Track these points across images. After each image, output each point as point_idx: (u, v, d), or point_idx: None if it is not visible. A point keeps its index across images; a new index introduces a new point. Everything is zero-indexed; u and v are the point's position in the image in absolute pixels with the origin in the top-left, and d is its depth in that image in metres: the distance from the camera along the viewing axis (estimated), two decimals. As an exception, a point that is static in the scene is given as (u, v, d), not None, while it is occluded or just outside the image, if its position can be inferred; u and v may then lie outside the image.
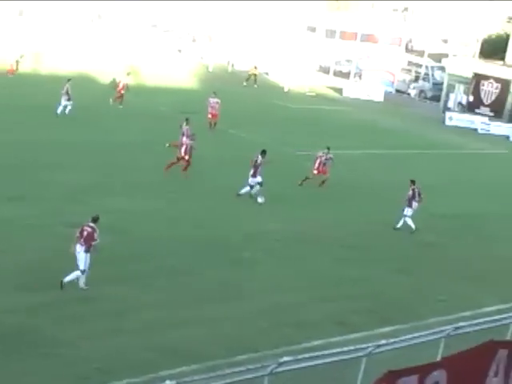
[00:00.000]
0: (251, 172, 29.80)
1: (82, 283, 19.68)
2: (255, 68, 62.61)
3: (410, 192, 28.67)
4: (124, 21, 70.43)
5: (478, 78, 65.02)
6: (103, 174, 30.69)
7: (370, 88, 68.34)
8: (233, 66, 68.82)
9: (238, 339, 18.03)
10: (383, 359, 13.82)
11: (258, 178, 29.81)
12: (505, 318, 16.36)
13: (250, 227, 26.67)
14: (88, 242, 19.57)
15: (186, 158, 31.60)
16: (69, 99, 40.14)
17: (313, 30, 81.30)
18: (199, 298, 20.27)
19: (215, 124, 43.00)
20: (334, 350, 13.60)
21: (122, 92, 45.02)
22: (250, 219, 27.74)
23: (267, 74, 67.95)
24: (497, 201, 36.32)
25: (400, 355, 14.39)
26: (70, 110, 39.99)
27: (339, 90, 67.26)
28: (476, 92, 65.21)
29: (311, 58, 73.99)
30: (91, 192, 27.75)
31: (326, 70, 74.64)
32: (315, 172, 32.93)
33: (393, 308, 21.50)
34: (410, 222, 28.74)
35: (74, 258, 19.59)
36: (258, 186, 29.92)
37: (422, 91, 71.52)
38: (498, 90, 64.08)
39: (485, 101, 64.74)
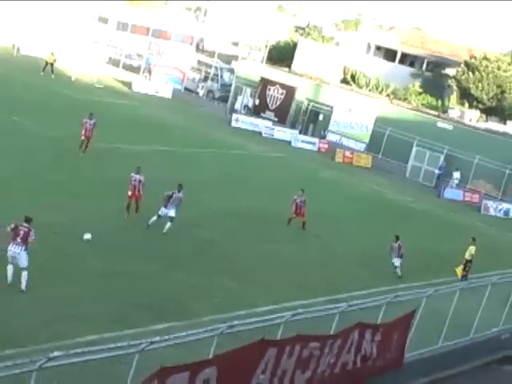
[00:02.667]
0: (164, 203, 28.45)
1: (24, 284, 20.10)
2: (52, 55, 60.66)
3: (396, 245, 30.15)
4: None
5: (265, 83, 66.67)
6: None
7: (159, 84, 68.34)
8: (18, 49, 66.54)
9: (7, 333, 17.38)
10: (157, 356, 13.80)
11: (165, 211, 28.36)
12: (276, 318, 16.80)
13: (38, 218, 25.55)
14: (26, 241, 20.23)
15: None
16: None
17: (104, 20, 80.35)
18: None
19: None
20: (107, 346, 13.41)
21: None
22: (28, 210, 26.58)
23: (55, 61, 66.22)
24: (273, 201, 37.37)
25: (174, 352, 14.43)
26: None
27: (128, 84, 66.76)
28: (262, 96, 66.80)
29: (101, 49, 72.95)
30: None
31: (115, 63, 73.84)
32: (294, 215, 33.62)
33: (168, 305, 21.57)
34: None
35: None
36: (155, 217, 28.25)
37: (210, 91, 72.37)
38: (283, 96, 65.97)
39: (270, 105, 66.47)
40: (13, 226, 20.46)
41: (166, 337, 14.13)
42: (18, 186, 29.41)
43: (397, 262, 30.14)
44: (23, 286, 20.17)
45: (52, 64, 60.37)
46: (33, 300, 19.75)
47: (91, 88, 60.54)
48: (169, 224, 28.06)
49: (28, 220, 20.66)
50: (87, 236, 24.77)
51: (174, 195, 28.37)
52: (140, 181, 29.06)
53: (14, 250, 20.29)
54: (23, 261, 20.29)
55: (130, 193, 28.99)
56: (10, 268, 20.30)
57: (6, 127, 38.69)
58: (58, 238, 24.69)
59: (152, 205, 29.85)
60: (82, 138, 37.12)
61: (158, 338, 13.75)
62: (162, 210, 28.28)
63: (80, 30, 72.51)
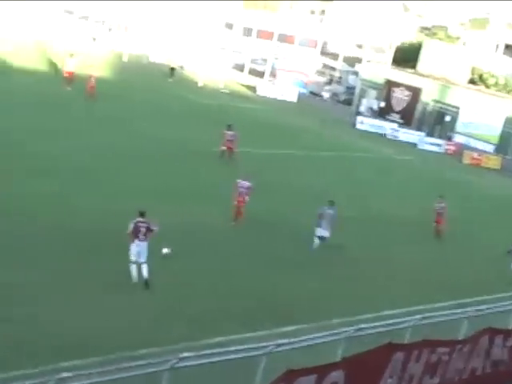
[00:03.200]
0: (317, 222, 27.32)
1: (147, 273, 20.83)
2: (175, 60, 62.16)
3: None
4: (37, 5, 68.88)
5: (390, 85, 66.13)
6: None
7: (284, 88, 68.71)
8: (147, 57, 68.24)
9: (138, 333, 17.82)
10: (284, 358, 13.88)
11: (321, 231, 27.21)
12: (403, 322, 16.65)
13: (161, 221, 25.78)
14: (148, 236, 20.89)
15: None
16: None
17: (230, 26, 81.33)
18: (95, 289, 19.91)
19: (93, 96, 45.20)
20: (235, 348, 13.59)
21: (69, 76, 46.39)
22: (160, 212, 26.57)
23: (182, 67, 67.63)
24: (399, 203, 36.99)
25: (300, 355, 14.48)
26: None
27: (253, 89, 67.42)
28: (387, 98, 66.29)
29: (227, 54, 73.95)
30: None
31: (241, 68, 74.72)
32: (435, 223, 33.02)
33: (294, 308, 21.60)
34: None
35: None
36: (317, 240, 27.28)
37: (334, 94, 72.29)
38: (408, 98, 65.29)
39: (395, 107, 65.88)
40: (132, 225, 20.92)
41: (293, 339, 14.20)
42: (139, 188, 29.92)
43: None
44: (146, 273, 20.71)
45: (174, 69, 61.72)
46: (161, 300, 20.18)
47: (217, 93, 61.44)
48: (318, 241, 27.20)
49: (143, 213, 21.08)
50: (166, 250, 23.12)
51: (326, 211, 27.21)
52: (248, 187, 28.36)
53: (141, 245, 20.84)
54: (145, 255, 20.84)
55: (236, 202, 28.34)
56: (133, 268, 20.78)
57: (138, 132, 39.76)
58: (178, 238, 25.11)
59: (272, 208, 30.12)
60: (223, 147, 37.69)
61: (285, 341, 13.84)
62: (319, 231, 27.16)
63: (207, 37, 73.68)
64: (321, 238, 27.19)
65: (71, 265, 21.07)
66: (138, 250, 20.84)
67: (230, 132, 37.88)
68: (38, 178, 27.96)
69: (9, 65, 51.09)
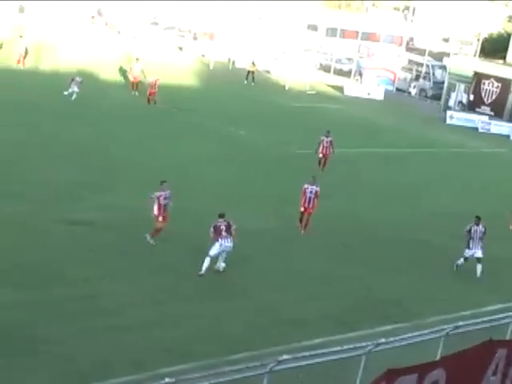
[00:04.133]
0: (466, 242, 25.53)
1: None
2: (253, 64, 62.13)
3: None
4: (124, 18, 70.14)
5: (479, 77, 64.99)
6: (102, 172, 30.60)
7: (371, 86, 68.29)
8: (233, 63, 68.68)
9: (235, 337, 17.97)
10: (382, 358, 13.80)
11: (469, 252, 25.44)
12: (504, 318, 16.34)
13: (247, 225, 25.33)
14: (230, 231, 21.63)
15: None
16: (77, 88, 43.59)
17: (314, 28, 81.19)
18: (193, 295, 20.25)
19: (155, 101, 46.05)
20: (334, 349, 13.56)
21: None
22: (246, 217, 26.34)
23: (269, 71, 67.82)
24: (495, 200, 36.25)
25: (399, 354, 14.38)
26: (75, 97, 43.23)
27: (340, 89, 67.18)
28: (477, 91, 65.17)
29: (312, 56, 73.88)
30: (88, 189, 27.64)
31: (326, 69, 74.50)
32: None
33: (392, 307, 21.47)
34: None
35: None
36: (461, 260, 25.56)
37: (422, 90, 71.45)
38: (498, 90, 64.04)
39: (485, 100, 64.71)
40: (212, 228, 21.55)
41: (391, 338, 14.11)
42: (233, 193, 30.33)
43: None
44: (222, 267, 21.75)
45: (253, 72, 61.80)
46: (256, 304, 20.29)
47: (303, 95, 61.40)
48: (479, 266, 25.18)
49: (222, 215, 21.75)
50: (222, 266, 22.07)
51: (473, 229, 25.36)
52: (316, 192, 26.72)
53: (226, 243, 21.51)
54: (226, 251, 21.64)
55: (302, 208, 26.81)
56: (207, 261, 21.35)
57: (225, 137, 40.17)
58: (274, 242, 25.33)
59: (364, 206, 29.88)
60: (320, 155, 36.32)
61: (383, 340, 13.75)
62: (467, 252, 25.38)
63: (291, 39, 73.73)
64: (470, 258, 25.44)
65: (165, 275, 21.45)
66: (221, 249, 21.47)
67: (327, 138, 36.66)
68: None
69: (97, 78, 52.18)
